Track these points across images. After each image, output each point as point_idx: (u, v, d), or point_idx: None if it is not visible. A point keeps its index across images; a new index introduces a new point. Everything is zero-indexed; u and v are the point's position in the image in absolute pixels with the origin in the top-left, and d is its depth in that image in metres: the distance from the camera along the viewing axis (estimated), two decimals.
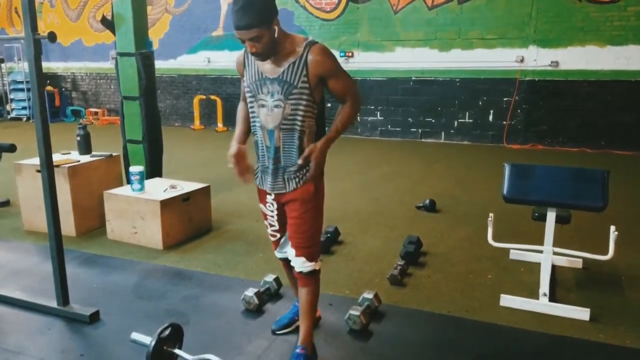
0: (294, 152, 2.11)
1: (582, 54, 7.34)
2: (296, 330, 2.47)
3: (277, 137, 2.10)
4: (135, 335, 2.35)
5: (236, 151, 2.19)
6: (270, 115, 2.08)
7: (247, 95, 2.15)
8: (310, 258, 2.23)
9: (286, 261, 2.40)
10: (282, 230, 2.33)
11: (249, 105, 2.16)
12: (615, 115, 7.31)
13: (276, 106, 2.05)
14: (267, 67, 2.05)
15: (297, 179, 2.14)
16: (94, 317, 2.74)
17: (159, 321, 2.72)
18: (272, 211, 2.28)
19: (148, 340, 2.24)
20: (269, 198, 2.25)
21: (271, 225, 2.35)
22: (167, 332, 2.27)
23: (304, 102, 2.05)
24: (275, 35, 1.95)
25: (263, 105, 2.09)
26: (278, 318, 2.61)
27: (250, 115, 2.18)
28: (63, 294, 2.81)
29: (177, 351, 2.27)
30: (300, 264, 2.23)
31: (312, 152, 2.06)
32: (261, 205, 2.33)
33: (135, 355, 2.42)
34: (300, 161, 2.07)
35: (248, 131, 2.26)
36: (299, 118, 2.06)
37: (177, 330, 2.33)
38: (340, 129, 2.12)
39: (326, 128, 2.21)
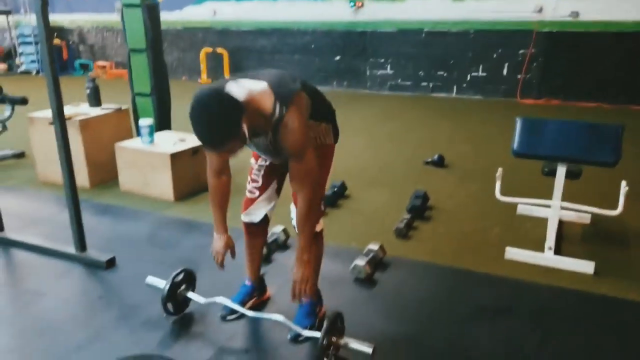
0: None
1: (604, 3, 7.04)
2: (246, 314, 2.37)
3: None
4: (150, 279, 2.43)
5: (224, 246, 2.15)
6: (267, 158, 2.08)
7: None
8: None
9: (252, 225, 2.30)
10: (263, 188, 2.21)
11: None
12: (634, 70, 7.09)
13: (269, 158, 2.05)
14: (250, 142, 1.93)
15: None
16: (111, 263, 2.85)
17: (172, 267, 2.80)
18: (262, 165, 2.19)
19: (162, 284, 2.32)
20: (261, 160, 2.20)
21: (253, 181, 2.23)
22: (180, 276, 2.34)
23: None
24: (247, 138, 1.72)
25: (256, 150, 2.07)
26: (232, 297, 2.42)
27: None
28: (80, 240, 2.91)
29: (190, 294, 2.35)
30: None
31: (294, 294, 2.00)
32: (252, 160, 2.25)
33: (150, 298, 2.52)
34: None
35: (226, 208, 2.17)
36: None
37: (190, 274, 2.40)
38: (302, 247, 1.96)
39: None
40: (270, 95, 1.75)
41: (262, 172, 2.20)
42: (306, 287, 1.97)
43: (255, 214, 2.27)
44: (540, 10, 7.37)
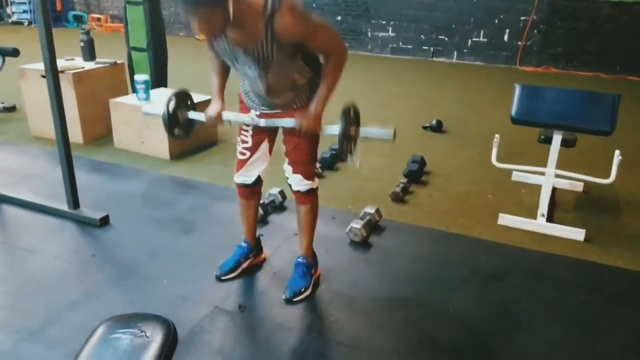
0: (288, 93, 1.99)
1: None
2: (242, 274, 2.39)
3: (269, 91, 1.95)
4: (146, 108, 2.35)
5: (216, 115, 2.05)
6: (256, 83, 1.93)
7: (225, 59, 1.94)
8: (307, 175, 2.15)
9: (246, 187, 2.28)
10: (254, 147, 2.18)
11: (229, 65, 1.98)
12: (634, 40, 7.03)
13: (259, 77, 1.88)
14: (233, 39, 1.78)
15: (297, 100, 2.02)
16: (104, 221, 2.84)
17: (167, 227, 2.83)
18: (249, 124, 2.12)
19: (160, 110, 2.14)
20: (253, 112, 2.10)
21: (243, 142, 2.18)
22: (173, 101, 2.13)
23: (288, 66, 1.87)
24: (230, 17, 1.63)
25: (244, 74, 1.94)
26: (222, 262, 2.39)
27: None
28: (73, 197, 2.89)
29: (191, 114, 2.20)
30: (298, 182, 2.15)
31: (301, 125, 1.91)
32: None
33: (145, 257, 2.54)
34: (291, 126, 1.94)
35: (226, 78, 2.10)
36: (288, 77, 1.91)
37: (183, 95, 2.21)
38: (326, 93, 1.92)
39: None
40: None
41: (250, 131, 2.15)
42: (314, 127, 1.93)
43: (248, 175, 2.24)
44: None
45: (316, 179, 2.21)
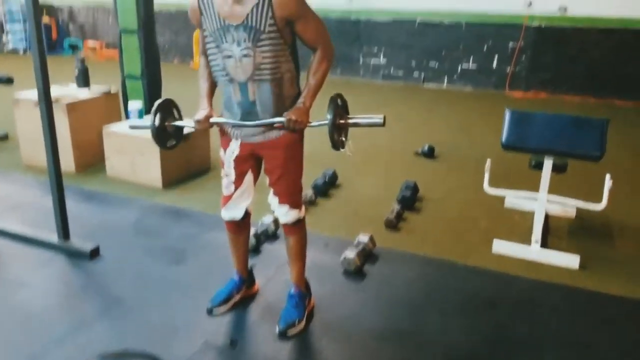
0: (272, 103, 1.93)
1: None
2: (234, 308, 2.35)
3: (251, 91, 1.91)
4: (132, 122, 2.33)
5: (204, 118, 1.99)
6: (240, 67, 1.86)
7: (209, 45, 1.92)
8: (293, 205, 2.11)
9: (234, 224, 2.24)
10: (238, 181, 2.13)
11: (212, 57, 1.94)
12: (620, 65, 7.16)
13: (245, 55, 1.84)
14: (227, 11, 1.81)
15: (278, 129, 1.98)
16: (94, 252, 2.80)
17: (158, 258, 2.80)
18: (232, 158, 2.09)
19: (147, 122, 2.12)
20: (234, 143, 2.06)
21: (227, 175, 2.14)
22: (159, 113, 2.11)
23: (276, 47, 1.84)
24: None
25: (229, 56, 1.87)
26: (213, 295, 2.34)
27: (214, 69, 1.96)
28: (64, 228, 2.86)
29: (178, 122, 2.17)
30: (285, 213, 2.11)
31: (290, 121, 1.86)
32: (221, 151, 2.14)
33: (135, 288, 2.50)
34: (281, 121, 1.89)
35: (214, 86, 2.06)
36: (274, 64, 1.86)
37: (168, 105, 2.16)
38: (314, 88, 1.93)
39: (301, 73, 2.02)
40: None
41: (233, 164, 2.10)
42: (303, 122, 1.89)
43: (235, 210, 2.20)
44: (530, 5, 7.37)
45: (303, 208, 2.19)
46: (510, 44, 7.66)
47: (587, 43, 7.27)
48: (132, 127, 2.33)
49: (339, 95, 1.95)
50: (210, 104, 2.06)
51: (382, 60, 8.56)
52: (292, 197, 2.11)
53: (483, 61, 7.91)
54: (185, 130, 2.22)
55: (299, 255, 2.24)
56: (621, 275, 2.73)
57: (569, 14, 7.26)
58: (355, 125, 1.95)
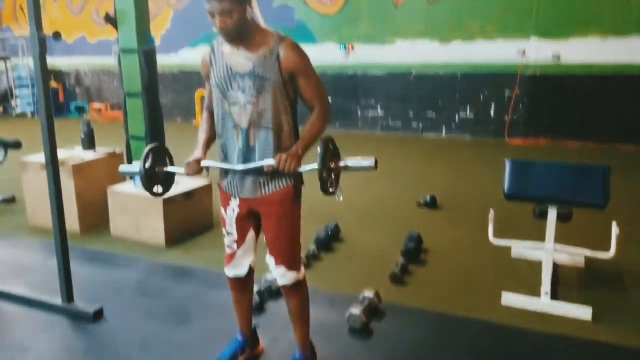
0: (270, 153, 1.96)
1: (585, 46, 7.27)
2: None
3: (251, 136, 1.96)
4: (122, 168, 2.31)
5: (194, 161, 2.04)
6: (244, 113, 1.94)
7: (216, 94, 2.00)
8: (291, 266, 2.07)
9: (238, 281, 2.22)
10: (241, 240, 2.13)
11: (218, 105, 2.01)
12: (618, 110, 7.26)
13: (249, 102, 1.93)
14: (236, 61, 1.94)
15: (274, 183, 2.00)
16: (98, 315, 2.78)
17: (162, 319, 2.76)
18: (233, 217, 2.10)
19: (136, 168, 2.14)
20: (233, 202, 2.08)
21: (229, 234, 2.15)
22: (150, 157, 2.13)
23: (278, 97, 1.93)
24: (248, 17, 1.86)
25: (235, 103, 1.96)
26: (219, 355, 2.31)
27: (219, 117, 2.02)
28: (68, 291, 2.84)
29: (169, 168, 2.19)
30: (283, 274, 2.08)
31: (280, 161, 1.88)
32: (222, 210, 2.15)
33: (139, 351, 2.45)
34: (271, 164, 1.91)
35: (212, 139, 2.13)
36: (275, 114, 1.93)
37: (159, 151, 2.20)
38: (308, 139, 1.97)
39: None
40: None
41: (235, 223, 2.11)
42: (293, 163, 1.90)
43: (239, 268, 2.18)
44: (523, 54, 7.58)
45: (302, 269, 2.14)
46: (507, 93, 7.82)
47: (583, 89, 7.41)
48: (123, 172, 2.33)
49: (330, 139, 1.97)
50: (205, 153, 2.11)
51: (379, 112, 8.72)
52: (288, 258, 2.08)
53: (480, 110, 8.05)
54: (184, 187, 2.23)
55: (302, 318, 2.19)
56: (636, 326, 2.66)
57: (563, 62, 7.45)
58: (346, 168, 1.95)
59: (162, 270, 3.39)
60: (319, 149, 1.90)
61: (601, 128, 7.37)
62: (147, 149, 2.14)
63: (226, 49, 1.98)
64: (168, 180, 2.23)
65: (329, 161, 1.93)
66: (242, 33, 1.89)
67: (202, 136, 2.14)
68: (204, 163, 2.06)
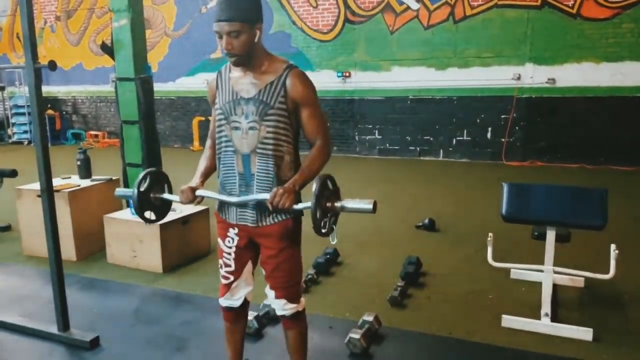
0: (270, 182, 1.92)
1: (579, 70, 7.41)
2: None
3: (252, 163, 1.93)
4: (118, 191, 2.27)
5: (188, 189, 2.02)
6: (246, 139, 1.92)
7: (219, 118, 1.98)
8: (291, 299, 2.04)
9: (232, 311, 2.16)
10: (237, 272, 2.09)
11: (219, 129, 1.99)
12: (613, 131, 7.36)
13: (251, 128, 1.90)
14: (242, 86, 1.92)
15: (274, 214, 1.95)
16: (94, 343, 2.73)
17: (158, 346, 2.72)
18: (230, 247, 2.06)
19: (132, 190, 2.11)
20: (232, 232, 2.04)
21: (226, 265, 2.09)
22: (146, 181, 2.10)
23: (281, 125, 1.90)
24: (256, 40, 1.85)
25: (237, 128, 1.93)
26: None
27: (221, 141, 1.99)
28: (63, 319, 2.80)
29: (165, 195, 2.15)
30: (282, 307, 2.05)
31: (275, 195, 1.82)
32: (219, 240, 2.10)
33: None
34: (266, 198, 1.86)
35: (212, 169, 2.11)
36: (276, 142, 1.90)
37: (157, 175, 2.17)
38: (307, 174, 1.91)
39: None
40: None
41: (232, 255, 2.07)
42: (287, 201, 1.82)
43: (234, 299, 2.14)
44: (518, 78, 7.70)
45: (302, 300, 2.11)
46: (503, 116, 7.90)
47: (579, 112, 7.51)
48: (118, 195, 2.29)
49: (328, 177, 1.87)
50: (202, 181, 2.09)
51: (377, 136, 8.79)
52: (288, 291, 2.04)
53: (477, 133, 8.12)
54: (170, 197, 2.16)
55: (299, 349, 2.14)
56: (637, 346, 2.63)
57: (557, 85, 7.55)
58: (343, 210, 1.87)
59: (159, 297, 3.35)
60: (314, 186, 1.80)
61: (596, 149, 7.45)
62: (143, 172, 2.12)
63: (234, 74, 1.96)
64: (163, 208, 2.20)
65: (325, 201, 1.83)
66: (249, 57, 1.87)
67: (202, 164, 2.12)
68: (198, 192, 2.04)
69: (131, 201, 3.75)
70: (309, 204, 1.80)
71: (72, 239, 3.94)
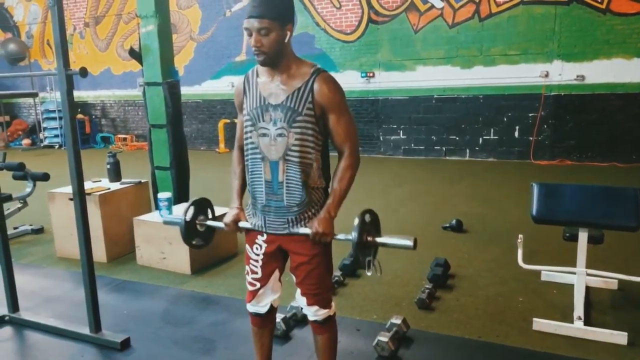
0: (299, 190, 1.91)
1: (609, 67, 7.22)
2: None
3: (281, 170, 1.91)
4: (166, 218, 2.36)
5: (234, 219, 2.04)
6: (274, 145, 1.90)
7: (246, 124, 1.96)
8: (323, 305, 2.05)
9: (259, 317, 2.16)
10: (264, 279, 2.08)
11: (247, 136, 1.97)
12: None
13: (279, 135, 1.88)
14: (270, 91, 1.90)
15: (304, 221, 1.95)
16: (125, 344, 2.79)
17: (187, 348, 2.76)
18: (258, 255, 2.05)
19: (179, 218, 2.17)
20: (260, 239, 2.03)
21: (252, 272, 2.08)
22: (191, 210, 2.16)
23: (309, 132, 1.88)
24: (285, 41, 1.83)
25: (264, 135, 1.91)
26: None
27: (248, 148, 1.98)
28: (95, 321, 2.86)
29: (210, 222, 2.21)
30: (314, 313, 2.05)
31: (316, 235, 1.87)
32: (247, 247, 2.10)
33: None
34: (307, 233, 1.90)
35: (245, 185, 2.09)
36: (305, 149, 1.89)
37: (201, 204, 2.22)
38: (339, 196, 1.91)
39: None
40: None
41: (260, 262, 2.06)
42: (328, 237, 1.90)
43: (260, 306, 2.14)
44: (546, 75, 7.54)
45: (333, 305, 2.11)
46: (531, 114, 7.75)
47: (609, 109, 7.32)
48: (166, 223, 2.36)
49: (369, 211, 1.90)
50: (240, 204, 2.09)
51: (402, 136, 8.73)
52: (320, 297, 2.04)
53: (504, 132, 7.98)
54: (214, 224, 2.22)
55: (329, 353, 2.14)
56: None
57: (587, 82, 7.37)
58: (383, 245, 1.90)
59: (188, 299, 3.40)
60: (355, 221, 1.84)
61: (628, 147, 7.25)
62: (190, 202, 2.17)
63: (261, 78, 1.94)
64: (207, 234, 2.25)
65: (366, 235, 1.86)
66: (277, 57, 1.85)
67: (235, 182, 2.11)
68: (241, 224, 2.06)
69: (161, 207, 3.85)
70: (349, 236, 1.85)
71: (102, 241, 4.02)
